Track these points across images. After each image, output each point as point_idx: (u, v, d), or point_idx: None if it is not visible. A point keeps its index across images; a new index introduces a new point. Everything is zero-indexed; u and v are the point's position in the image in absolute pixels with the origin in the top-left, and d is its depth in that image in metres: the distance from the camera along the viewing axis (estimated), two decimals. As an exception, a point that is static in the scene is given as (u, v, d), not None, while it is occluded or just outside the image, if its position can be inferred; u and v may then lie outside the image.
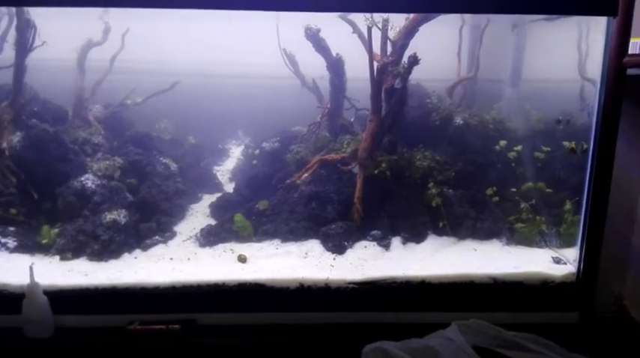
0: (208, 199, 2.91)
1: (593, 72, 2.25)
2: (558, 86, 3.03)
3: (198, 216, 2.75)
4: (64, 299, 2.06)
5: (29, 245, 2.34)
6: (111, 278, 2.14)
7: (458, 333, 1.82)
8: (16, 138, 2.49)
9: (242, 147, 3.37)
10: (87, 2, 1.97)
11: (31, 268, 1.99)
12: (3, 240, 2.31)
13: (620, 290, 2.37)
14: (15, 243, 2.32)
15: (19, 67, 2.44)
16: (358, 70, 2.65)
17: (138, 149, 2.86)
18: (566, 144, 2.62)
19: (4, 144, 2.42)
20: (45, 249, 2.33)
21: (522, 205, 2.55)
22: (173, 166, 2.82)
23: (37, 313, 2.00)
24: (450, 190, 2.59)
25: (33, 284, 2.00)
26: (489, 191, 2.62)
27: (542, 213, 2.58)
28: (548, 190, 2.65)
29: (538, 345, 1.86)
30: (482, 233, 2.51)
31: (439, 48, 3.05)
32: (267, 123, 3.27)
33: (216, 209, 2.73)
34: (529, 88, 3.06)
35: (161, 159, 2.82)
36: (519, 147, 2.76)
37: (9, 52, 2.63)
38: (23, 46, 2.40)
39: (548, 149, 2.74)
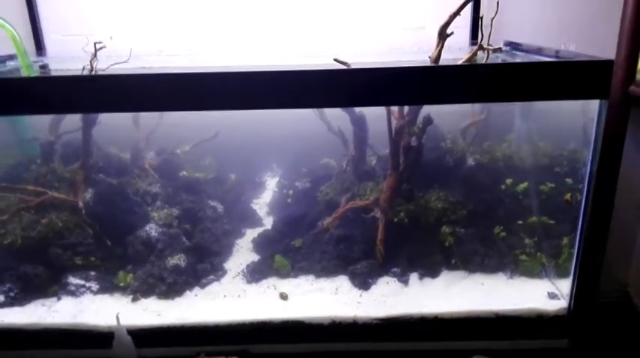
0: (250, 234, 3.32)
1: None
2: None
3: (243, 251, 3.18)
4: (143, 335, 2.57)
5: (108, 287, 2.82)
6: (179, 317, 2.63)
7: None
8: (88, 195, 2.95)
9: (277, 179, 3.76)
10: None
11: (117, 317, 2.49)
12: (87, 284, 2.81)
13: (624, 277, 2.56)
14: (97, 286, 2.82)
15: (87, 138, 2.86)
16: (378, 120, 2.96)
17: (190, 196, 3.28)
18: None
19: (81, 204, 2.88)
20: (122, 290, 2.82)
21: (526, 241, 2.91)
22: (220, 208, 3.24)
23: (124, 351, 2.51)
24: (462, 229, 2.94)
25: (119, 328, 2.49)
26: (497, 229, 2.97)
27: (544, 245, 2.92)
28: (550, 222, 2.97)
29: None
30: (489, 268, 2.88)
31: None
32: (297, 151, 3.64)
33: (258, 245, 3.16)
34: (537, 123, 3.29)
35: (209, 202, 3.24)
36: (525, 184, 3.07)
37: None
38: (90, 122, 2.81)
39: (553, 185, 3.04)
